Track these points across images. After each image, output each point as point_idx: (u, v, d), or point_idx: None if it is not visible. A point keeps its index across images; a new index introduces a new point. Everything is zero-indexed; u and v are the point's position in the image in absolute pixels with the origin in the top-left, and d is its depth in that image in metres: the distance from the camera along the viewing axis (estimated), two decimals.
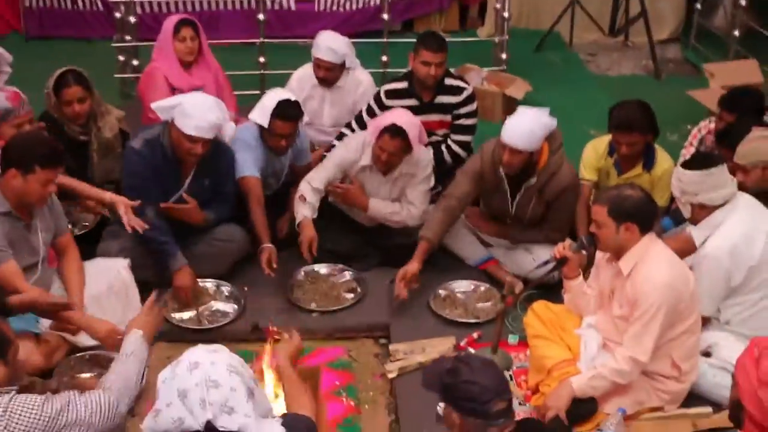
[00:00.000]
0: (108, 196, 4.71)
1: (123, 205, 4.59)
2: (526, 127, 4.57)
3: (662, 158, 5.04)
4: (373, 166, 4.99)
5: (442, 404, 3.00)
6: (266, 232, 4.90)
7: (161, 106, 4.69)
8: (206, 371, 2.65)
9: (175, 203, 4.78)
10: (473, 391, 2.82)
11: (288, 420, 2.81)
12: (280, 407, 3.44)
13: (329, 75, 5.63)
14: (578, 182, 4.93)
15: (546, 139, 4.66)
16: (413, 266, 4.72)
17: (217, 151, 4.82)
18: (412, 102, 5.35)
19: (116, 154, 5.10)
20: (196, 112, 4.54)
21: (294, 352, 3.40)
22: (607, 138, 5.15)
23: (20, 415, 2.87)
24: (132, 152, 4.70)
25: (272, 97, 4.97)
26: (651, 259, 3.76)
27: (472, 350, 4.44)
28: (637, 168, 5.02)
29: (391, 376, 4.34)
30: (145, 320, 3.47)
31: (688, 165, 4.20)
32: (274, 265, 4.77)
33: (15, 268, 4.07)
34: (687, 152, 5.28)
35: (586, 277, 4.17)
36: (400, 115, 4.90)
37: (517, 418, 3.05)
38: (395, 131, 4.78)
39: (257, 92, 6.12)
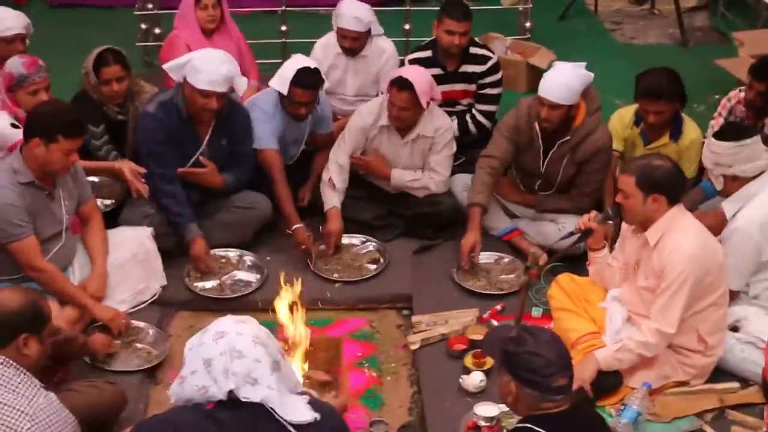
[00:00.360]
0: (115, 164, 4.73)
1: (128, 169, 4.63)
2: (563, 80, 4.55)
3: (690, 128, 4.97)
4: (390, 126, 4.96)
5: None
6: (295, 211, 4.90)
7: (173, 65, 4.68)
8: (231, 341, 2.64)
9: (193, 167, 4.76)
10: (537, 363, 2.75)
11: (314, 399, 2.80)
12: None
13: (355, 44, 5.56)
14: (611, 147, 4.86)
15: (583, 98, 4.63)
16: (474, 236, 4.73)
17: (233, 110, 4.81)
18: (437, 71, 5.30)
19: (141, 113, 5.07)
20: (207, 66, 4.52)
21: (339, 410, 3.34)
22: (633, 107, 5.08)
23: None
24: (146, 116, 4.69)
25: (292, 64, 4.92)
26: (678, 230, 3.71)
27: (495, 323, 4.41)
28: (663, 138, 4.94)
29: (413, 347, 4.31)
30: None
31: (720, 136, 4.14)
32: (310, 250, 4.82)
33: (34, 244, 4.06)
34: (716, 123, 5.19)
35: (611, 249, 4.13)
36: (409, 70, 4.90)
37: None
38: (402, 84, 4.75)
39: (279, 61, 6.06)
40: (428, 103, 4.87)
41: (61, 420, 2.86)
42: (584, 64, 4.67)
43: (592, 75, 4.66)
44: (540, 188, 4.97)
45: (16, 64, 4.56)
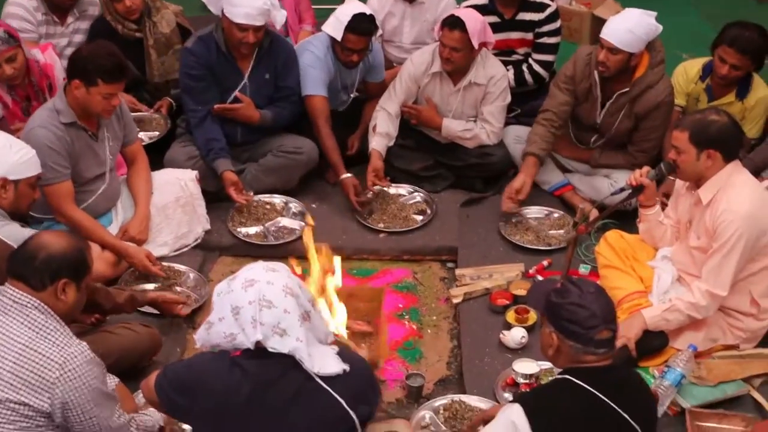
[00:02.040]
0: (129, 249, 4.27)
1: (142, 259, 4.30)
2: (628, 25, 4.39)
3: (758, 86, 4.77)
4: (442, 73, 4.85)
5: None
6: (341, 160, 4.84)
7: None
8: (261, 290, 2.61)
9: (232, 103, 4.72)
10: (580, 314, 2.69)
11: (343, 350, 2.74)
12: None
13: None
14: (673, 102, 4.67)
15: (647, 50, 4.47)
16: (520, 180, 4.64)
17: (275, 45, 4.76)
18: (493, 19, 5.15)
19: (176, 51, 5.05)
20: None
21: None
22: (699, 61, 4.89)
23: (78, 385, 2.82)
24: (185, 52, 4.68)
25: (348, 9, 4.83)
26: (733, 188, 3.54)
27: (540, 278, 4.30)
28: (729, 95, 4.75)
29: (455, 300, 4.24)
30: None
31: None
32: (360, 198, 4.78)
33: (68, 189, 4.06)
34: None
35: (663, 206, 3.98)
36: (462, 11, 4.78)
37: None
38: (453, 23, 4.64)
39: (336, 6, 5.95)
40: (480, 47, 4.73)
41: (89, 371, 2.82)
42: (654, 13, 4.48)
43: (660, 27, 4.47)
44: (595, 142, 4.81)
45: None
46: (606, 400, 2.65)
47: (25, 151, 3.58)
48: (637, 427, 2.68)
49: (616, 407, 2.65)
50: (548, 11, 5.22)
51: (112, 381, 3.23)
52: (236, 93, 4.72)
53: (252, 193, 4.75)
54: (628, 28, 4.38)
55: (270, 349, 2.59)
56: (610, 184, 4.65)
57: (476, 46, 4.67)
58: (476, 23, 4.65)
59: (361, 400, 2.69)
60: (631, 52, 4.40)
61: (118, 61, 4.02)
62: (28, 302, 2.84)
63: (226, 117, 4.74)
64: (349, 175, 4.80)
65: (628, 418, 2.66)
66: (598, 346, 2.70)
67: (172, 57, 5.06)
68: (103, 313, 3.69)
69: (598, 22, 6.69)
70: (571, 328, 2.70)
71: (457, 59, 4.72)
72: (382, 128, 4.87)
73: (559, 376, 2.75)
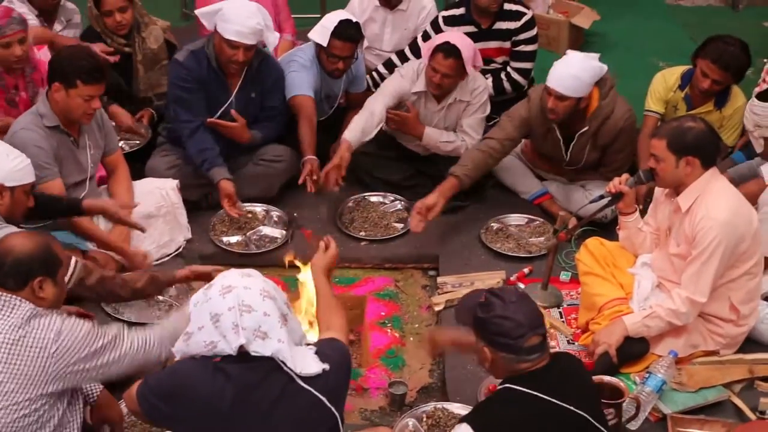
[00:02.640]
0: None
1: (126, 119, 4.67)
2: (572, 71, 4.33)
3: (736, 96, 4.80)
4: (427, 92, 4.84)
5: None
6: (311, 146, 4.77)
7: (204, 12, 4.62)
8: (239, 295, 2.61)
9: (221, 119, 4.71)
10: (506, 326, 2.73)
11: (321, 348, 2.76)
12: (314, 337, 3.41)
13: None
14: (634, 122, 4.66)
15: (596, 84, 4.43)
16: (432, 199, 4.46)
17: (265, 65, 4.76)
18: (470, 28, 5.18)
19: (162, 66, 5.06)
20: (236, 17, 4.46)
21: (330, 263, 3.33)
22: (678, 70, 4.91)
23: (69, 339, 2.87)
24: (176, 64, 4.66)
25: (333, 17, 4.86)
26: (712, 195, 3.57)
27: (522, 285, 4.33)
28: (708, 104, 4.78)
29: (437, 308, 4.26)
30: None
31: (763, 97, 3.99)
32: (315, 178, 4.64)
33: (60, 186, 4.06)
34: (761, 89, 5.00)
35: (642, 213, 4.01)
36: (454, 36, 4.74)
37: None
38: (449, 50, 4.61)
39: (317, 15, 5.97)
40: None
41: (75, 324, 2.90)
42: (597, 55, 4.46)
43: (605, 67, 4.43)
44: (567, 167, 4.82)
45: None
46: (550, 399, 2.70)
47: (21, 159, 3.58)
48: (584, 415, 2.74)
49: (561, 403, 2.70)
50: (524, 19, 5.25)
51: (96, 388, 3.24)
52: (232, 111, 4.69)
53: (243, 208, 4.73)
54: (572, 74, 4.33)
55: (252, 353, 2.59)
56: (587, 194, 4.63)
57: (469, 72, 4.69)
58: (470, 50, 4.65)
59: (342, 393, 2.76)
60: (579, 96, 4.38)
61: (97, 63, 4.04)
62: (11, 299, 2.89)
63: (216, 131, 4.72)
64: (313, 157, 4.71)
65: (574, 409, 2.72)
66: (529, 352, 2.74)
67: (158, 72, 5.07)
68: (122, 301, 3.74)
69: (576, 31, 6.77)
70: (501, 341, 2.74)
71: (448, 84, 4.73)
72: (359, 123, 4.75)
73: (500, 387, 2.80)
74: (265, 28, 4.57)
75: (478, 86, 4.87)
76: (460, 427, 2.71)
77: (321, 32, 4.83)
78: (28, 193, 3.61)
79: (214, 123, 4.69)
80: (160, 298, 4.21)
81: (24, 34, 4.36)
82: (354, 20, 4.85)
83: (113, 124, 4.75)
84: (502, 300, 2.77)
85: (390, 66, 5.36)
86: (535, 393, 2.71)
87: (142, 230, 4.14)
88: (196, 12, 4.79)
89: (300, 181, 4.65)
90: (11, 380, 2.82)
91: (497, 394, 2.81)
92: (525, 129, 4.66)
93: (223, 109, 4.72)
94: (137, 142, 5.00)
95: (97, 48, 4.77)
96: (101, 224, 4.34)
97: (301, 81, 4.87)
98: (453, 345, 3.39)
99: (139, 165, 4.75)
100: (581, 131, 4.53)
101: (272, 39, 4.69)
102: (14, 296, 2.90)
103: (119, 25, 4.90)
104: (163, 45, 5.09)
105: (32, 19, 4.85)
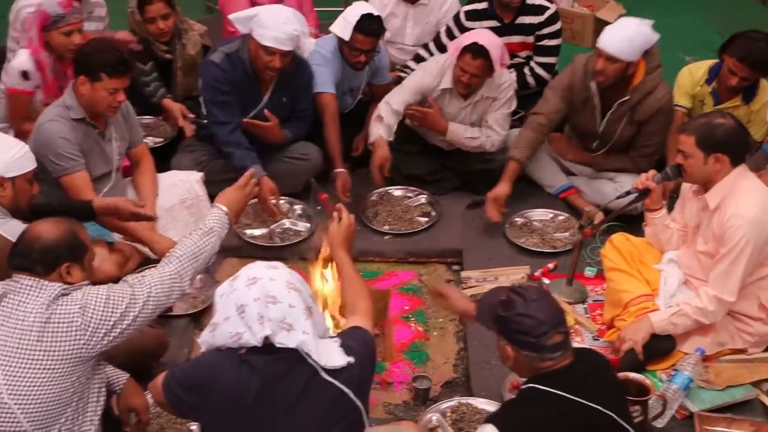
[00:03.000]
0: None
1: (179, 112, 4.69)
2: (625, 34, 4.37)
3: (764, 90, 4.75)
4: (453, 89, 4.82)
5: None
6: (340, 155, 4.83)
7: (239, 17, 4.60)
8: (265, 287, 2.62)
9: (254, 119, 4.71)
10: (528, 324, 2.71)
11: (346, 340, 2.75)
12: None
13: None
14: (672, 106, 4.67)
15: (643, 57, 4.45)
16: (503, 188, 4.61)
17: (298, 68, 4.74)
18: (493, 23, 5.15)
19: (206, 62, 5.05)
20: (273, 23, 4.43)
21: (347, 235, 3.25)
22: (705, 64, 4.86)
23: (94, 313, 2.92)
24: (211, 66, 4.61)
25: (356, 10, 4.83)
26: (741, 192, 3.53)
27: (546, 281, 4.31)
28: (735, 99, 4.73)
29: None
30: (234, 196, 3.40)
31: None
32: (348, 193, 4.74)
33: (86, 178, 4.08)
34: None
35: (669, 209, 3.98)
36: (482, 35, 4.70)
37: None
38: (477, 51, 4.58)
39: (339, 9, 5.96)
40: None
41: (92, 292, 2.96)
42: (651, 22, 4.47)
43: (657, 35, 4.45)
44: (597, 148, 4.81)
45: (51, 3, 4.48)
46: (574, 398, 2.67)
47: (19, 147, 3.55)
48: (611, 414, 2.71)
49: (586, 402, 2.67)
50: (548, 14, 5.22)
51: (122, 377, 3.28)
52: (265, 111, 4.69)
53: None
54: (625, 37, 4.36)
55: (278, 345, 2.59)
56: (615, 187, 4.64)
57: (497, 71, 4.68)
58: (498, 50, 4.62)
59: (366, 385, 2.74)
60: (629, 60, 4.39)
61: (122, 56, 4.04)
62: (40, 282, 2.94)
63: (247, 131, 4.72)
64: (344, 170, 4.79)
65: (600, 408, 2.69)
66: (552, 351, 2.72)
67: (193, 77, 5.08)
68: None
69: (601, 25, 6.68)
70: (523, 339, 2.72)
71: (476, 83, 4.72)
72: (388, 119, 4.80)
73: (525, 386, 2.78)
74: (301, 35, 4.55)
75: (504, 81, 4.85)
76: (485, 427, 2.69)
77: (343, 26, 4.82)
78: (31, 181, 3.59)
79: (250, 123, 4.68)
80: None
81: (81, 24, 4.51)
82: (376, 14, 4.83)
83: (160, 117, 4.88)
84: (523, 298, 2.75)
85: (420, 61, 5.34)
86: (560, 392, 2.69)
87: (153, 219, 4.12)
88: (230, 17, 4.74)
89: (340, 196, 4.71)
90: (46, 359, 2.86)
91: (522, 394, 2.79)
92: (568, 97, 4.67)
93: (254, 113, 4.71)
94: (162, 138, 5.02)
95: (121, 36, 4.78)
96: None
97: (323, 77, 4.86)
98: (456, 313, 3.38)
99: (164, 161, 4.76)
100: (621, 100, 4.52)
101: (308, 45, 4.69)
102: (43, 280, 2.95)
103: (161, 33, 4.92)
104: (200, 51, 5.11)
105: None
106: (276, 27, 4.43)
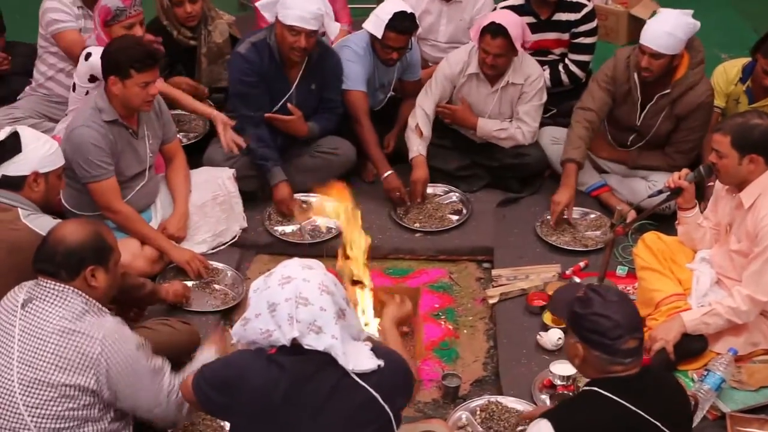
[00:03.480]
0: (209, 111, 4.79)
1: (221, 122, 4.66)
2: (667, 28, 4.34)
3: None
4: (479, 74, 4.83)
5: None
6: (384, 157, 4.87)
7: (265, 3, 4.64)
8: (297, 287, 2.61)
9: (280, 112, 4.73)
10: (604, 324, 2.62)
11: (378, 346, 2.76)
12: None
13: None
14: (713, 103, 4.63)
15: (687, 50, 4.43)
16: (567, 193, 4.60)
17: (324, 54, 4.77)
18: (529, 19, 5.12)
19: (225, 60, 5.10)
20: (297, 2, 4.48)
21: (402, 318, 3.29)
22: (739, 62, 4.82)
23: (115, 347, 2.91)
24: (238, 57, 4.67)
25: (388, 7, 4.83)
26: None
27: (577, 279, 4.28)
28: None
29: (492, 301, 4.23)
30: (215, 346, 3.43)
31: None
32: (400, 194, 4.80)
33: (113, 186, 4.11)
34: None
35: (702, 208, 3.95)
36: (500, 15, 4.74)
37: None
38: (496, 30, 4.59)
39: (372, 6, 5.95)
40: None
41: (127, 339, 2.94)
42: (691, 11, 4.44)
43: (698, 24, 4.43)
44: (632, 143, 4.78)
45: None
46: (636, 410, 2.60)
47: (51, 143, 3.59)
48: None
49: (647, 416, 2.60)
50: (584, 11, 5.19)
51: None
52: (288, 105, 4.73)
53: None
54: (667, 31, 4.34)
55: (306, 347, 2.60)
56: (647, 186, 4.62)
57: (519, 49, 4.66)
58: (517, 27, 4.63)
59: (397, 393, 2.70)
60: (674, 54, 4.37)
61: (147, 48, 4.08)
62: (64, 289, 2.94)
63: (273, 125, 4.76)
64: (392, 172, 4.81)
65: (660, 425, 2.61)
66: (624, 356, 2.64)
67: (220, 66, 5.12)
68: (133, 303, 3.75)
69: (635, 21, 6.67)
70: (596, 339, 2.64)
71: (501, 64, 4.72)
72: (426, 129, 4.87)
73: (587, 388, 2.70)
74: (325, 15, 4.58)
75: (533, 73, 4.84)
76: (540, 422, 2.63)
77: (375, 23, 4.82)
78: (60, 176, 3.63)
79: (272, 117, 4.71)
80: (217, 287, 4.26)
81: (143, 17, 4.57)
82: (409, 11, 4.82)
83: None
84: (602, 297, 2.67)
85: None
86: (625, 403, 2.60)
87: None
88: (257, 5, 4.80)
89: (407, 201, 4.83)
90: (59, 374, 2.86)
91: (584, 396, 2.71)
92: (612, 90, 4.65)
93: (283, 101, 4.74)
94: (195, 134, 5.04)
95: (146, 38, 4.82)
96: (158, 214, 4.42)
97: (354, 73, 4.87)
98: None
99: (197, 156, 4.80)
100: (662, 93, 4.50)
101: (333, 28, 4.71)
102: (67, 287, 2.94)
103: (189, 16, 4.95)
104: (227, 39, 5.13)
105: (76, 10, 4.93)
106: (300, 6, 4.47)
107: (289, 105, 4.73)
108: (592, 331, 2.64)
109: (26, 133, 3.52)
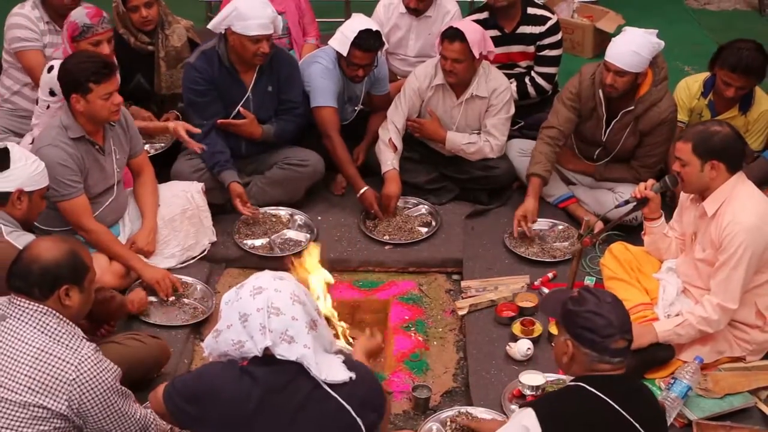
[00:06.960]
0: (166, 125, 4.80)
1: (182, 129, 4.68)
2: (632, 46, 4.39)
3: (761, 100, 4.79)
4: (445, 86, 4.87)
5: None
6: (358, 173, 4.88)
7: (216, 22, 4.65)
8: (269, 297, 2.63)
9: (238, 117, 4.76)
10: (597, 322, 2.69)
11: (350, 359, 2.77)
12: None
13: (421, 5, 5.41)
14: (676, 118, 4.69)
15: (651, 67, 4.49)
16: (530, 204, 4.65)
17: (277, 57, 4.79)
18: (494, 33, 5.17)
19: (184, 64, 5.07)
20: (252, 11, 4.52)
21: (373, 350, 3.31)
22: (701, 77, 4.90)
23: (90, 375, 2.88)
24: (188, 67, 4.72)
25: (354, 25, 4.85)
26: (738, 199, 3.55)
27: (545, 290, 4.32)
28: (732, 110, 4.77)
29: (461, 312, 4.25)
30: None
31: None
32: (375, 209, 4.82)
33: (83, 204, 4.09)
34: None
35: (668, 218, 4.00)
36: (460, 22, 4.81)
37: None
38: (453, 34, 4.66)
39: (340, 20, 5.98)
40: (481, 58, 4.75)
41: (104, 369, 2.89)
42: (656, 31, 4.50)
43: (662, 43, 4.48)
44: (598, 157, 4.83)
45: (80, 14, 4.55)
46: (618, 408, 2.65)
47: (38, 163, 3.61)
48: None
49: (627, 416, 2.65)
50: (549, 24, 5.24)
51: None
52: (240, 108, 4.74)
53: (257, 208, 4.77)
54: (632, 50, 4.38)
55: (278, 356, 2.60)
56: (614, 197, 4.67)
57: (477, 56, 4.69)
58: (475, 33, 4.68)
59: (368, 407, 2.70)
60: (638, 72, 4.42)
61: (101, 60, 4.04)
62: (38, 309, 2.89)
63: (231, 132, 4.77)
64: (368, 188, 4.83)
65: (639, 427, 2.66)
66: (613, 355, 2.70)
67: (180, 71, 5.10)
68: (103, 317, 3.73)
69: (601, 35, 6.75)
70: (588, 336, 2.70)
71: (460, 70, 4.74)
72: (398, 142, 4.92)
73: (572, 383, 2.75)
74: (275, 15, 4.63)
75: (499, 86, 4.88)
76: (524, 410, 2.68)
77: (341, 41, 4.84)
78: (43, 196, 3.64)
79: (224, 123, 4.73)
80: (186, 300, 4.25)
81: (111, 34, 4.59)
82: (374, 29, 4.84)
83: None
84: (596, 297, 2.75)
85: None
86: (608, 400, 2.66)
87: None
88: (209, 26, 4.77)
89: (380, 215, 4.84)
90: (31, 389, 2.82)
91: (568, 389, 2.76)
92: (577, 107, 4.70)
93: (240, 105, 4.76)
94: (162, 144, 5.03)
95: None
96: (127, 228, 4.40)
97: (324, 89, 4.88)
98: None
99: (165, 168, 4.78)
100: (626, 110, 4.56)
101: (278, 23, 4.72)
102: (40, 306, 2.89)
103: (145, 21, 4.94)
104: (186, 44, 5.13)
105: (42, 26, 4.92)
106: (257, 15, 4.51)
107: (241, 109, 4.75)
108: (585, 328, 2.71)
109: (15, 150, 3.53)
